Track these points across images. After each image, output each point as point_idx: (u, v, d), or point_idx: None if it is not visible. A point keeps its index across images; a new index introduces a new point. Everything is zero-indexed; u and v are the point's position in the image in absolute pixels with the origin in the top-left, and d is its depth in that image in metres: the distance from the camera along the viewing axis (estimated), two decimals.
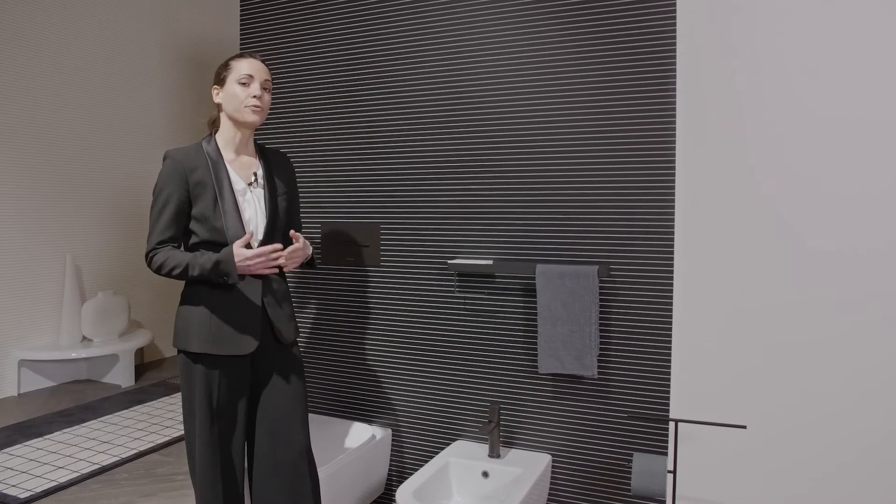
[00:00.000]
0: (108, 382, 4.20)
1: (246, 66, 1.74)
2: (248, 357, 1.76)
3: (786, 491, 1.80)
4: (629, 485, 1.99)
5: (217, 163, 1.73)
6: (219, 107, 1.78)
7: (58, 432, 3.21)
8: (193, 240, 1.73)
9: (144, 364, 4.70)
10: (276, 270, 1.71)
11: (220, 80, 1.77)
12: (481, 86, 2.16)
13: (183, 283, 1.78)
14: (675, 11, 1.88)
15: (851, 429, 1.72)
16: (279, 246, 1.69)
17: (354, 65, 2.38)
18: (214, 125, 1.82)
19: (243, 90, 1.73)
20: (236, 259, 1.65)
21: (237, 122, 1.76)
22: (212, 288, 1.71)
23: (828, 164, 1.73)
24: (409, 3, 2.27)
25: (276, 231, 1.79)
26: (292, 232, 1.74)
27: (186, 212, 1.71)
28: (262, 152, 1.87)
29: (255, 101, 1.73)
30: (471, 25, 2.17)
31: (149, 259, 1.72)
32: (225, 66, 1.77)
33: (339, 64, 2.41)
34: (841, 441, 1.74)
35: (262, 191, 1.79)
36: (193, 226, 1.72)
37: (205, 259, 1.67)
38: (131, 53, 4.65)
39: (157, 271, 1.71)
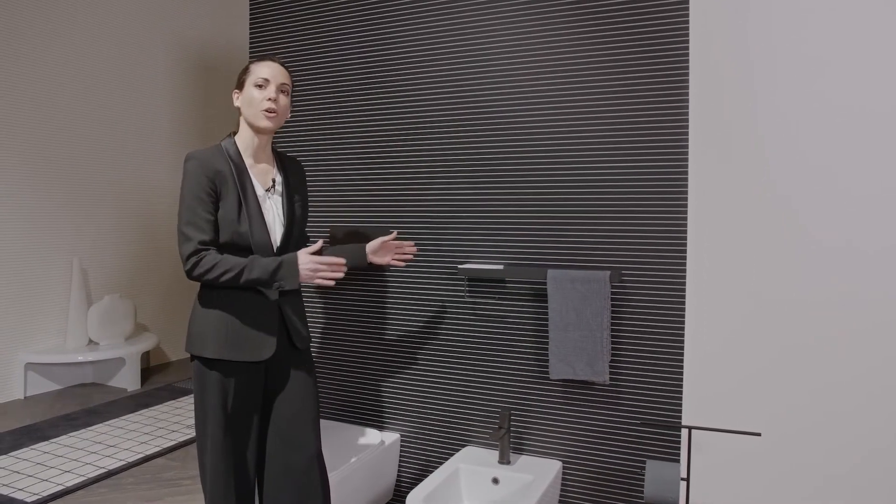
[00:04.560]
0: (114, 386, 4.20)
1: (263, 70, 1.71)
2: (262, 363, 1.75)
3: (801, 497, 1.78)
4: (642, 493, 1.97)
5: (239, 166, 1.71)
6: (239, 111, 1.76)
7: (64, 436, 3.21)
8: None
9: (150, 368, 4.69)
10: (333, 283, 1.66)
11: (240, 84, 1.75)
12: (493, 91, 2.15)
13: (197, 286, 1.76)
14: (688, 11, 1.87)
15: (866, 432, 1.71)
16: (342, 261, 1.67)
17: (365, 68, 2.38)
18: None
19: (259, 93, 1.70)
20: (301, 265, 1.63)
21: (253, 127, 1.74)
22: (230, 293, 1.70)
23: (846, 164, 1.72)
24: (420, 5, 2.27)
25: (293, 238, 1.79)
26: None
27: (216, 213, 1.67)
28: (280, 158, 1.86)
29: (269, 105, 1.69)
30: (481, 31, 2.16)
31: (193, 263, 1.61)
32: (245, 70, 1.75)
33: (350, 67, 2.41)
34: (855, 445, 1.72)
35: (279, 197, 1.78)
36: None
37: (265, 262, 1.63)
38: (138, 57, 4.67)
39: (203, 275, 1.61)
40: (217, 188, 1.66)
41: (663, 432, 1.95)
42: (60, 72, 4.13)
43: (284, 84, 1.74)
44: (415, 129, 2.29)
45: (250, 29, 2.62)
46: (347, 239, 2.41)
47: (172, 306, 4.94)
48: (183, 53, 5.00)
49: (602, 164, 2.00)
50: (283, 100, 1.74)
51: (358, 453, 2.16)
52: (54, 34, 4.09)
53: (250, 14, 2.61)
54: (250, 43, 2.61)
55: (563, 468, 2.08)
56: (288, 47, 2.52)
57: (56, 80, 4.11)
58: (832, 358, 1.74)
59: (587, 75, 2.02)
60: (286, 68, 1.78)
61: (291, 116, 2.51)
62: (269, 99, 1.70)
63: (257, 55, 1.79)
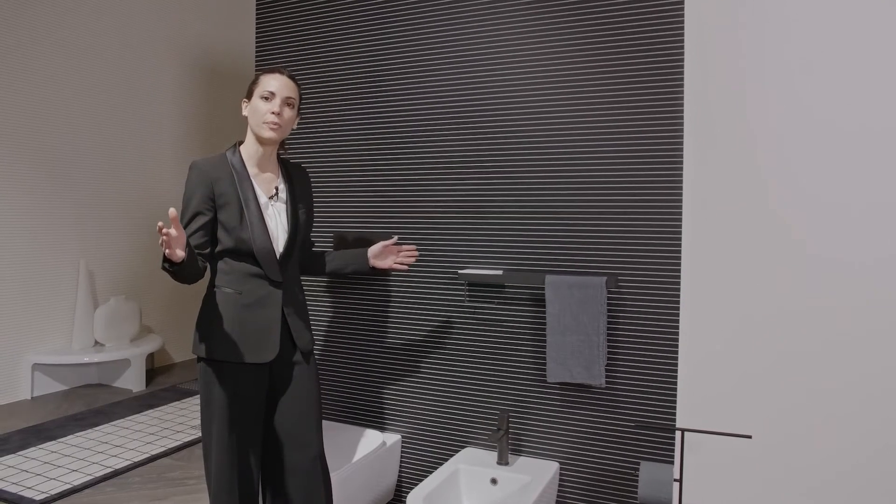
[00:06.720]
0: (119, 387, 4.25)
1: (270, 82, 1.75)
2: (266, 365, 1.79)
3: (792, 498, 1.82)
4: (636, 493, 2.02)
5: (242, 174, 1.76)
6: (246, 120, 1.81)
7: (71, 436, 3.26)
8: (219, 247, 1.76)
9: (155, 369, 4.74)
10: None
11: (249, 94, 1.79)
12: (492, 98, 2.20)
13: (201, 290, 1.81)
14: (682, 25, 1.91)
15: (857, 436, 1.74)
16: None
17: (368, 75, 2.42)
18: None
19: (264, 105, 1.74)
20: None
21: (258, 137, 1.78)
22: (234, 297, 1.75)
23: (835, 174, 1.76)
24: (422, 13, 2.31)
25: (296, 244, 1.83)
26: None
27: (214, 221, 1.74)
28: (285, 167, 1.90)
29: (272, 118, 1.73)
30: (481, 40, 2.21)
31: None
32: (254, 81, 1.79)
33: (354, 74, 2.45)
34: (846, 448, 1.76)
35: (283, 205, 1.83)
36: (220, 234, 1.74)
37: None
38: (143, 62, 4.72)
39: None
40: (216, 197, 1.72)
41: (657, 434, 1.99)
42: (66, 75, 4.19)
43: (290, 98, 1.77)
44: (417, 136, 2.34)
45: (256, 35, 2.67)
46: (351, 244, 2.46)
47: (177, 308, 4.99)
48: (188, 58, 5.05)
49: (599, 172, 2.05)
50: (288, 112, 1.78)
51: (360, 454, 2.21)
52: (58, 41, 4.14)
53: (257, 20, 2.66)
54: (256, 49, 2.66)
55: (560, 469, 2.13)
56: (293, 54, 2.57)
57: (61, 83, 4.16)
58: (823, 364, 1.78)
59: (585, 84, 2.06)
60: (295, 81, 1.81)
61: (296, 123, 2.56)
62: (274, 112, 1.74)
63: (267, 66, 1.83)
